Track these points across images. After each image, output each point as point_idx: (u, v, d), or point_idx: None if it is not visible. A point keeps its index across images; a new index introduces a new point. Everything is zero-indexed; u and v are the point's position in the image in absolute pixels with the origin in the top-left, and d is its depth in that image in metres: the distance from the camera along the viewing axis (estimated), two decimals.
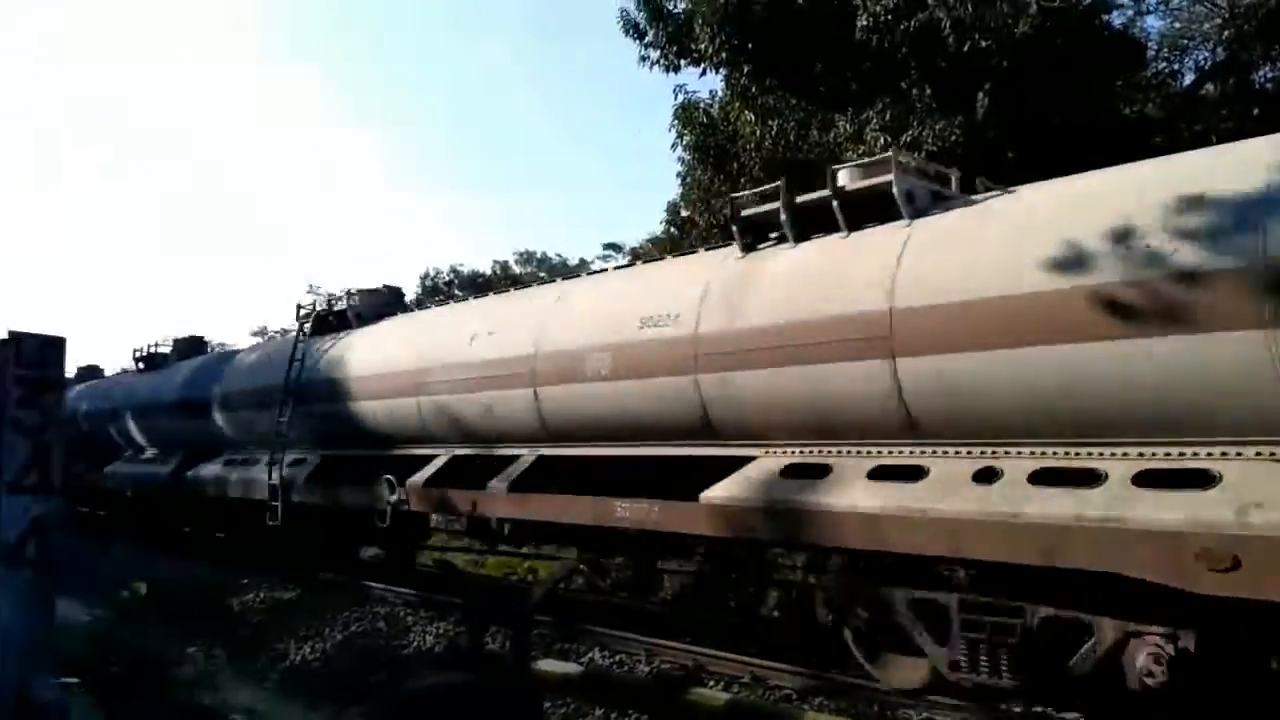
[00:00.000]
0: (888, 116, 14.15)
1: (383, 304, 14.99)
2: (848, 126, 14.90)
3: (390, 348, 12.92)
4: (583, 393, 9.57)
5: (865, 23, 14.09)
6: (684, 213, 20.96)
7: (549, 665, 8.46)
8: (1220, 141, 9.59)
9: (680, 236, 21.87)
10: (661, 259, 11.90)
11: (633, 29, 17.14)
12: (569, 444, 10.13)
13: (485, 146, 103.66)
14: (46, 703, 5.64)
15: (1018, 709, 7.09)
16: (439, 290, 41.89)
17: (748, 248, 8.86)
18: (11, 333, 6.05)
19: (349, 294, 14.97)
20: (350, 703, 8.16)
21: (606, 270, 12.44)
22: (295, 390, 14.24)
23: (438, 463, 11.70)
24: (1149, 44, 16.55)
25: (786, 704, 7.52)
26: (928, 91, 14.06)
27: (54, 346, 6.25)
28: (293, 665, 9.90)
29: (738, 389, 8.17)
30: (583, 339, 9.67)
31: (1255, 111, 12.65)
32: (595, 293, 10.60)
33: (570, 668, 8.63)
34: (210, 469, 16.91)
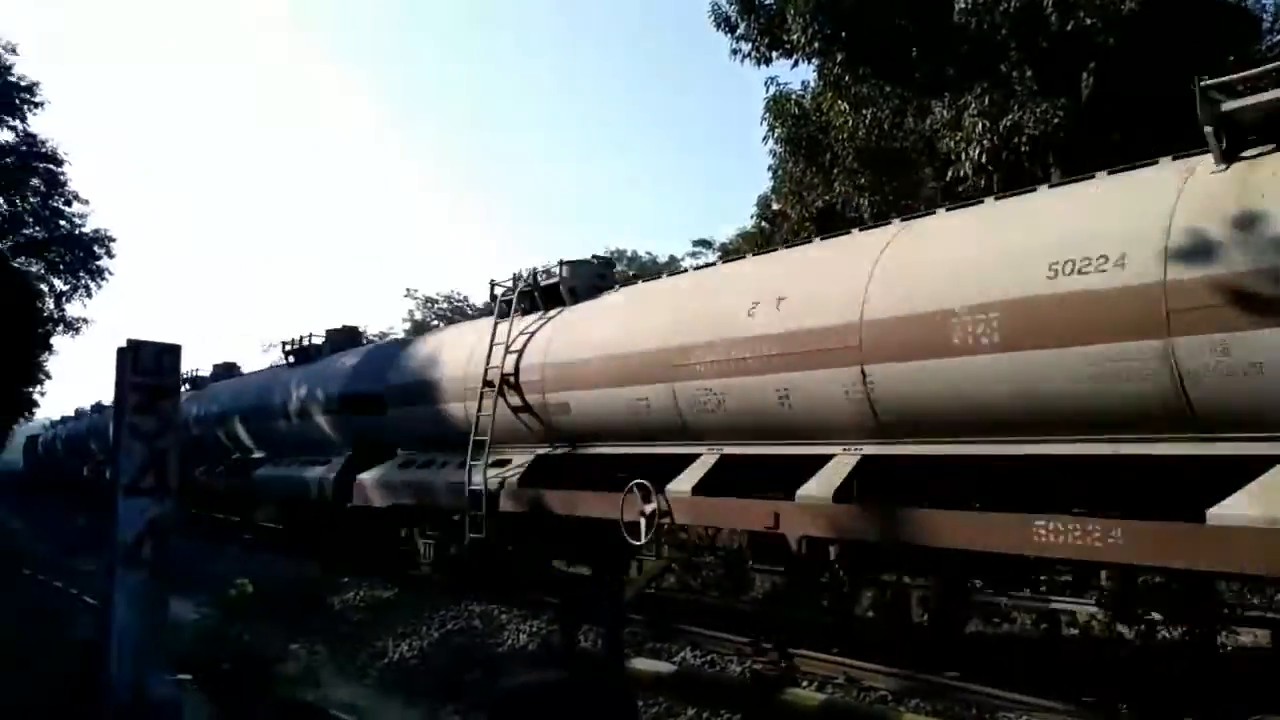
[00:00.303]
0: (987, 101, 13.72)
1: (595, 276, 12.94)
2: (945, 112, 14.49)
3: (628, 324, 10.84)
4: (946, 370, 7.23)
5: (963, 5, 13.65)
6: (775, 206, 20.76)
7: (643, 664, 8.38)
8: None
9: (771, 230, 21.66)
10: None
11: (724, 22, 16.99)
12: (913, 440, 7.84)
13: (579, 147, 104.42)
14: (161, 699, 5.77)
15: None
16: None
17: (1229, 156, 6.35)
18: (129, 341, 6.21)
19: (561, 265, 12.79)
20: (447, 700, 8.22)
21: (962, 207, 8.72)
22: (495, 379, 12.32)
23: (703, 464, 9.52)
24: (1264, 17, 15.69)
25: (882, 705, 7.30)
26: (1029, 73, 13.58)
27: (170, 353, 6.41)
28: (391, 662, 10.02)
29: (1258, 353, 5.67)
30: (944, 295, 7.30)
31: None
32: (957, 230, 8.12)
33: (664, 666, 8.54)
34: (387, 473, 14.79)
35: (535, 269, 13.19)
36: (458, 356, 13.56)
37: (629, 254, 47.01)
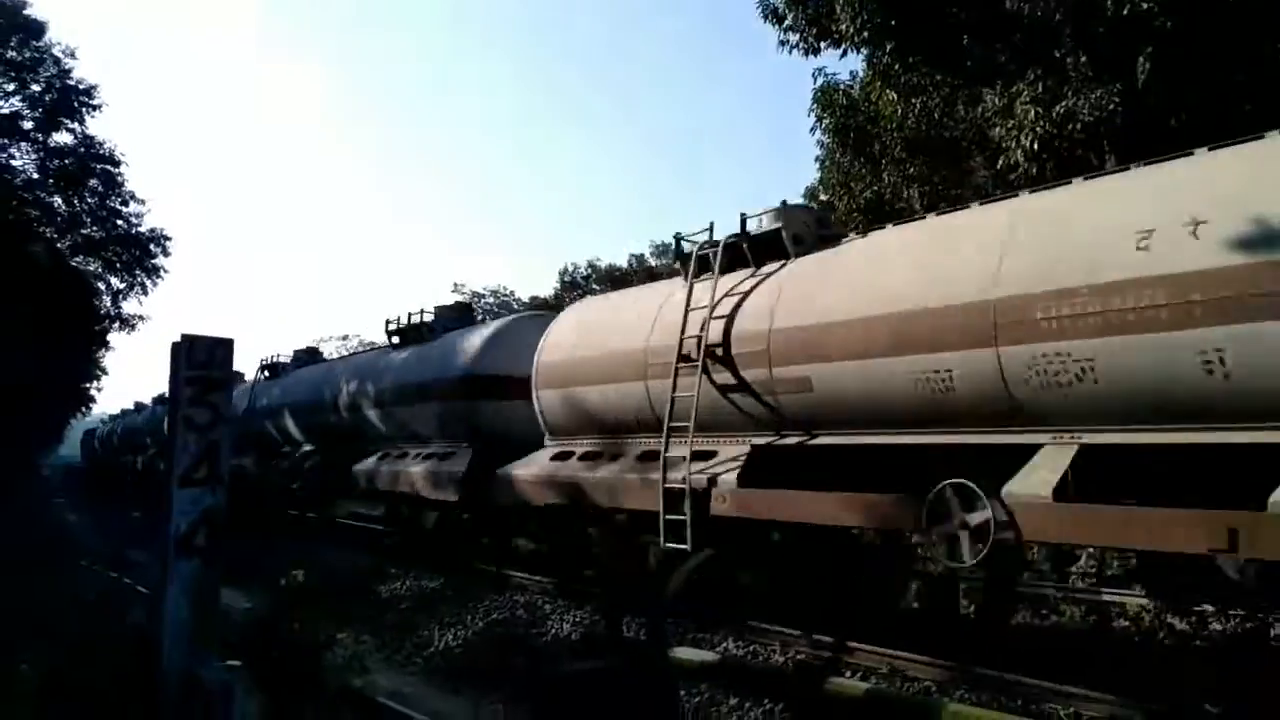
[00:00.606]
0: (1040, 88, 13.44)
1: (817, 224, 10.44)
2: (997, 100, 14.24)
3: (907, 273, 8.20)
4: None
5: None
6: (823, 197, 20.56)
7: (686, 653, 8.34)
8: None
9: None
10: None
11: (772, 14, 16.85)
12: None
13: (638, 145, 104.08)
14: (214, 685, 5.84)
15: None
16: (577, 285, 42.40)
17: None
18: (183, 336, 6.32)
19: (783, 206, 10.38)
20: (491, 688, 8.25)
21: None
22: (695, 351, 9.92)
23: (1053, 457, 6.94)
24: None
25: (927, 696, 7.19)
26: (1083, 59, 13.29)
27: (222, 347, 6.51)
28: (437, 651, 10.09)
29: None
30: None
31: None
32: None
33: (707, 656, 8.49)
34: (545, 466, 12.23)
35: (743, 214, 10.50)
36: (635, 326, 11.25)
37: (671, 248, 46.87)
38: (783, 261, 9.87)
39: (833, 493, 8.42)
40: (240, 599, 11.91)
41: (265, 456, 23.56)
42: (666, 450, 9.95)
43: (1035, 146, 13.13)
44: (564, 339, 12.78)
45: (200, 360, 6.35)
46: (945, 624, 8.44)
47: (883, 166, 17.46)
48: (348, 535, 19.76)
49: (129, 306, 30.62)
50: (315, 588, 13.04)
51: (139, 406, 48.67)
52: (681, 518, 9.39)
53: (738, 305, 9.79)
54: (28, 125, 26.67)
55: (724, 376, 9.68)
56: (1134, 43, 12.75)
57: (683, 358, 10.02)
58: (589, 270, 45.28)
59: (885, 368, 8.05)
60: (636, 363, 10.90)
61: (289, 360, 25.89)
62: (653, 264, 44.47)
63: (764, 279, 9.82)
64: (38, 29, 25.96)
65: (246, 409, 24.17)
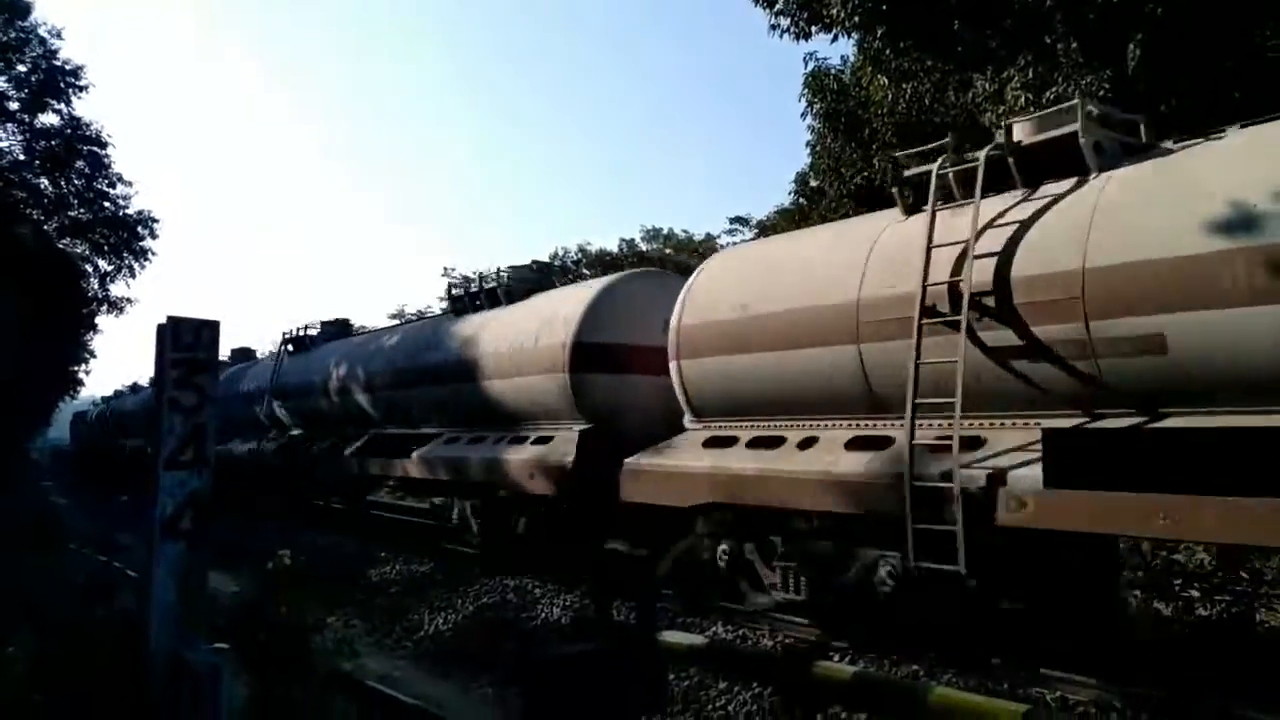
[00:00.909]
0: (1030, 74, 13.43)
1: (1123, 128, 8.12)
2: (987, 86, 14.24)
3: None
4: None
5: None
6: (813, 183, 20.56)
7: (674, 637, 8.38)
8: None
9: (809, 207, 21.47)
10: None
11: None
12: None
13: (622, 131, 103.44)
14: (200, 667, 5.85)
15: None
16: (567, 270, 42.32)
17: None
18: (169, 318, 6.31)
19: (1083, 101, 7.94)
20: (480, 672, 8.28)
21: None
22: (942, 302, 7.79)
23: None
24: None
25: (913, 680, 7.24)
26: (1074, 45, 13.27)
27: (208, 329, 6.49)
28: (426, 635, 10.11)
29: None
30: None
31: None
32: None
33: (695, 639, 8.53)
34: (692, 455, 10.07)
35: (1007, 124, 8.35)
36: (833, 274, 8.89)
37: (665, 232, 46.75)
38: (1078, 179, 7.52)
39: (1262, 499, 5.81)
40: (230, 582, 11.93)
41: (302, 439, 21.07)
42: (913, 437, 7.61)
43: None
44: (715, 296, 10.32)
45: (186, 342, 6.34)
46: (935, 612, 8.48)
47: (873, 151, 17.44)
48: (344, 521, 19.66)
49: (117, 289, 30.42)
50: (303, 571, 13.03)
51: (135, 387, 48.22)
52: (950, 528, 7.13)
53: (1016, 239, 7.48)
54: (13, 106, 26.41)
55: (999, 336, 7.43)
56: (1124, 29, 12.75)
57: (929, 311, 7.79)
58: (579, 255, 45.15)
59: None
60: (842, 321, 8.60)
61: (316, 331, 23.13)
62: (644, 249, 44.38)
63: (1054, 201, 7.51)
64: (24, 8, 25.67)
65: (273, 382, 22.60)
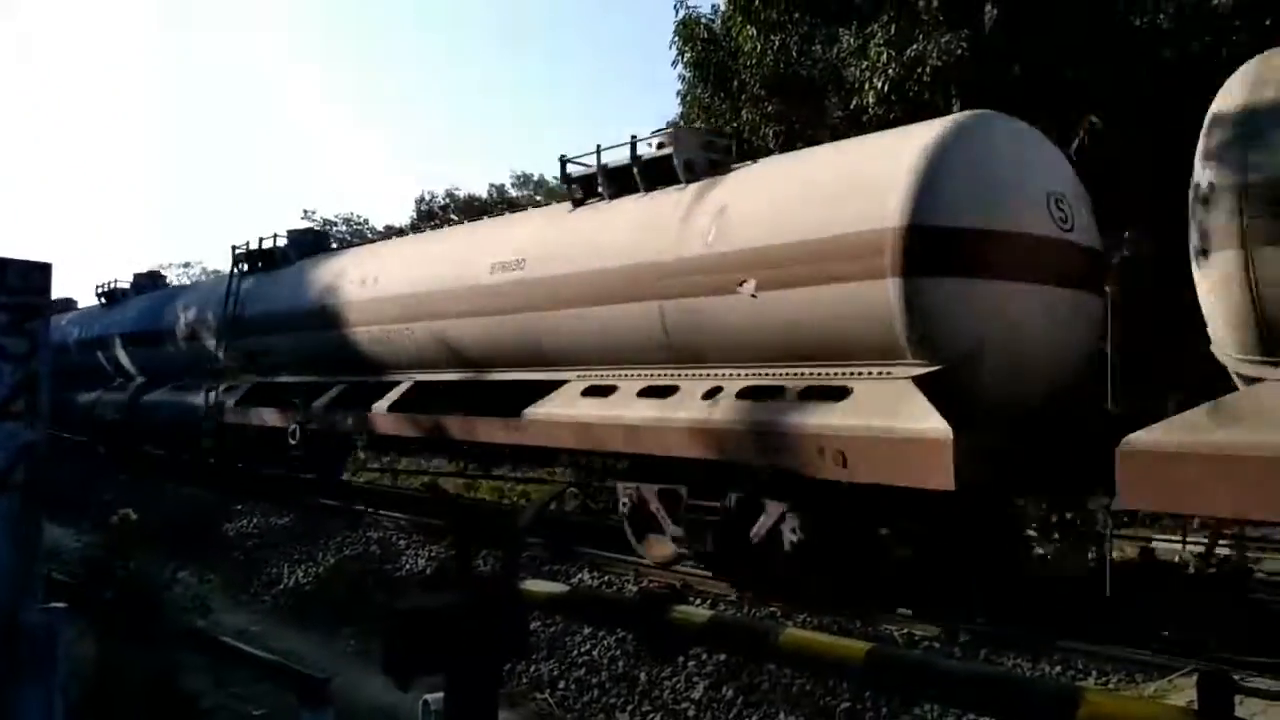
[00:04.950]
0: (893, 30, 13.71)
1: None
2: (852, 41, 14.47)
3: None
4: None
5: None
6: None
7: (535, 585, 8.40)
8: (1231, 55, 9.16)
9: None
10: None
11: None
12: None
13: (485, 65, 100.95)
14: (34, 627, 5.59)
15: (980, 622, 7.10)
16: (434, 215, 41.43)
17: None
18: None
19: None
20: (341, 624, 8.16)
21: None
22: None
23: None
24: None
25: (767, 619, 7.49)
26: (935, 4, 13.60)
27: (40, 271, 6.10)
28: (286, 589, 9.89)
29: None
30: None
31: (1268, 22, 12.17)
32: None
33: (555, 587, 8.57)
34: None
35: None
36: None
37: (536, 178, 46.24)
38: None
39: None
40: (73, 538, 11.38)
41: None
42: None
43: (886, 89, 13.43)
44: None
45: (14, 286, 5.94)
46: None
47: (741, 103, 17.54)
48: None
49: None
50: (153, 525, 12.55)
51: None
52: None
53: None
54: None
55: None
56: None
57: None
58: (447, 200, 44.22)
59: None
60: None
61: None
62: (514, 194, 43.77)
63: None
64: None
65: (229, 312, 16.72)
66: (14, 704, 5.15)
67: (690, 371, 9.12)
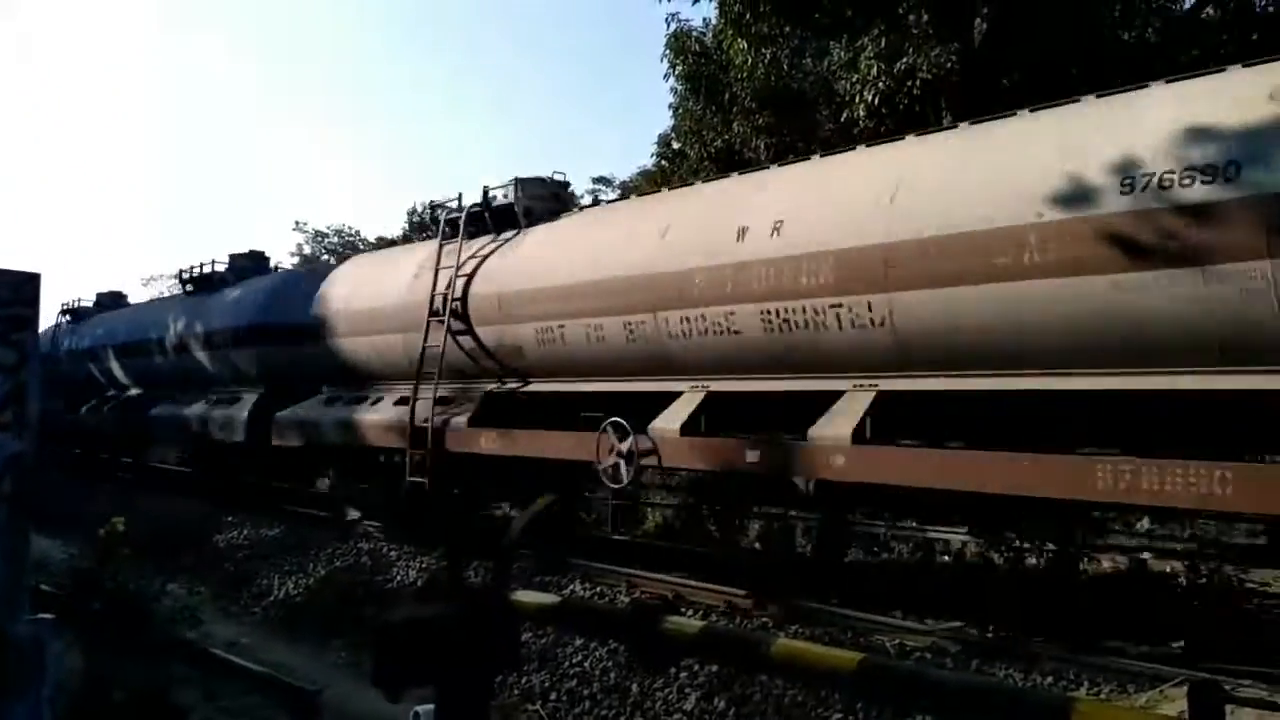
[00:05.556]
0: (883, 44, 13.80)
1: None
2: (842, 54, 14.57)
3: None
4: None
5: None
6: (675, 145, 20.65)
7: (526, 596, 8.40)
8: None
9: (671, 169, 21.57)
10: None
11: None
12: None
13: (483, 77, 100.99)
14: (22, 639, 5.57)
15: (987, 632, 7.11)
16: (425, 227, 41.44)
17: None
18: None
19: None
20: (332, 636, 8.13)
21: None
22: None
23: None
24: None
25: (759, 631, 7.49)
26: (925, 18, 13.71)
27: (29, 283, 6.10)
28: (276, 600, 9.85)
29: None
30: None
31: (1254, 37, 12.31)
32: None
33: (547, 598, 8.56)
34: None
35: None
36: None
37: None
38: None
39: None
40: (61, 550, 11.33)
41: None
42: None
43: (876, 101, 13.52)
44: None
45: (4, 297, 5.93)
46: (784, 562, 8.79)
47: (733, 116, 17.63)
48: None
49: None
50: (142, 536, 12.50)
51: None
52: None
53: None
54: None
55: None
56: (972, 4, 13.24)
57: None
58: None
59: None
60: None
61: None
62: None
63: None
64: None
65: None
66: (2, 716, 5.12)
67: None
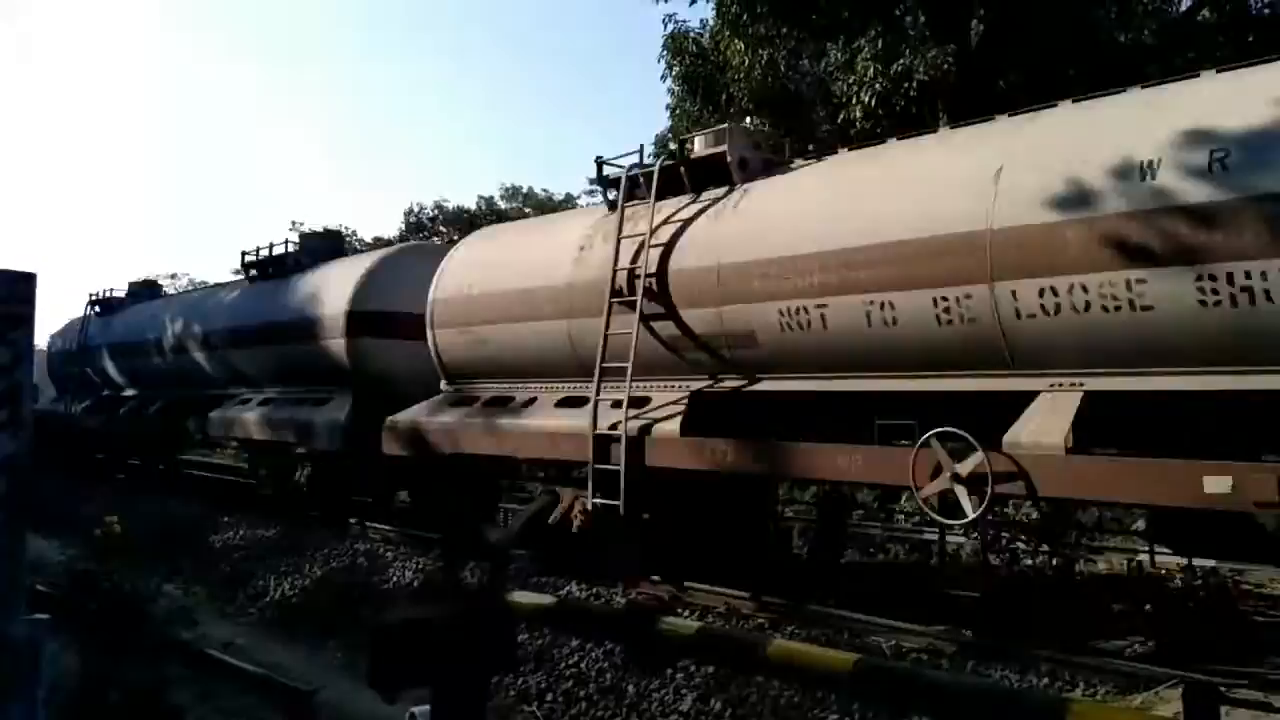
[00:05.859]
0: (880, 45, 13.82)
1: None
2: (839, 55, 14.58)
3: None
4: None
5: None
6: (672, 145, 20.65)
7: (523, 597, 8.38)
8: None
9: None
10: None
11: None
12: None
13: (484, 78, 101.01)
14: (18, 639, 5.56)
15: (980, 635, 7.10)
16: (423, 227, 41.42)
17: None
18: None
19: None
20: (328, 637, 8.12)
21: None
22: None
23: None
24: None
25: (755, 631, 7.49)
26: (921, 19, 13.74)
27: (25, 282, 6.10)
28: (272, 601, 9.84)
29: None
30: None
31: (1250, 39, 12.33)
32: None
33: (543, 599, 8.57)
34: None
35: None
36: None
37: (524, 190, 46.27)
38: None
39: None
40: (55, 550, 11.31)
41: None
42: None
43: (873, 102, 13.53)
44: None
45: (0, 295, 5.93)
46: (780, 564, 8.78)
47: (730, 116, 17.64)
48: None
49: None
50: (138, 537, 12.48)
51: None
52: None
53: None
54: None
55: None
56: (968, 6, 13.26)
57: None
58: (436, 211, 44.21)
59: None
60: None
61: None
62: (503, 207, 43.81)
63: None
64: None
65: None
66: None
67: None
